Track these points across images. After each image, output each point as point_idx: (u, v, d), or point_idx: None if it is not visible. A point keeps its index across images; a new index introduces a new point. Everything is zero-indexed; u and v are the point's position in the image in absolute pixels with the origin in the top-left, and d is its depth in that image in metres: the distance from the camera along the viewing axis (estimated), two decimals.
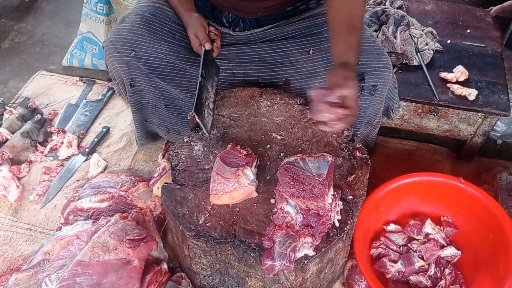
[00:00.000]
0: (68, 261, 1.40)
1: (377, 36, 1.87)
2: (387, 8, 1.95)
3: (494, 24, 2.03)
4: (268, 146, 1.37)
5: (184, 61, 1.52)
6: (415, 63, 1.80)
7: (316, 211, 1.19)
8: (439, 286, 1.41)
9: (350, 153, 1.36)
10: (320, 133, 1.40)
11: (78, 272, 1.32)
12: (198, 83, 1.36)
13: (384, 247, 1.48)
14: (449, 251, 1.46)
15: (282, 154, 1.35)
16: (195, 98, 1.32)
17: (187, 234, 1.19)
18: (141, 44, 1.49)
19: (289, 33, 1.52)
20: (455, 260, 1.47)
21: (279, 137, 1.40)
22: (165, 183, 1.32)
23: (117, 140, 1.97)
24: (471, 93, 1.71)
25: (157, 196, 1.66)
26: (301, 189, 1.22)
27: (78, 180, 1.81)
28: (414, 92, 1.73)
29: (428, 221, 1.51)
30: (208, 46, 1.45)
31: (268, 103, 1.48)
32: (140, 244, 1.41)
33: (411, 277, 1.43)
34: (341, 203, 1.24)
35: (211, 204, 1.24)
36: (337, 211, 1.22)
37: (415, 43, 1.82)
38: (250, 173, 1.24)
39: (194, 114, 1.29)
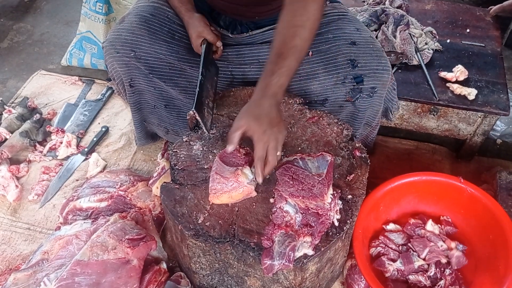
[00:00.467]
0: (67, 261, 1.40)
1: (376, 36, 1.87)
2: (386, 8, 1.95)
3: (494, 24, 2.03)
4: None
5: (184, 61, 1.52)
6: (415, 62, 1.80)
7: (316, 211, 1.19)
8: (439, 286, 1.41)
9: (350, 153, 1.35)
10: (319, 132, 1.40)
11: (77, 271, 1.32)
12: (199, 81, 1.36)
13: (384, 246, 1.48)
14: (451, 253, 1.46)
15: (282, 153, 1.35)
16: (196, 96, 1.32)
17: (186, 233, 1.19)
18: (140, 45, 1.48)
19: None
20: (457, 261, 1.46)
21: None
22: (164, 182, 1.31)
23: (116, 140, 1.96)
24: (471, 93, 1.70)
25: (156, 195, 1.66)
26: (300, 189, 1.22)
27: (77, 180, 1.81)
28: (413, 91, 1.73)
29: (430, 221, 1.51)
30: (220, 44, 1.46)
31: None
32: (139, 244, 1.41)
33: (410, 276, 1.43)
34: (341, 202, 1.24)
35: (210, 203, 1.24)
36: (337, 210, 1.21)
37: (414, 43, 1.82)
38: (249, 172, 1.24)
39: (194, 111, 1.29)
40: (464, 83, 1.75)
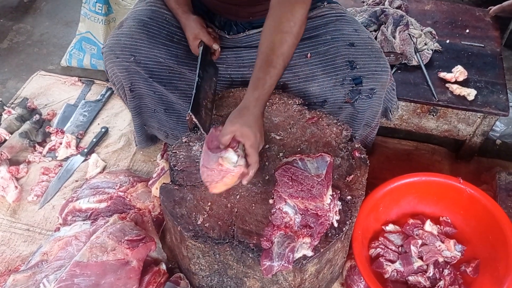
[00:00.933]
0: (66, 262, 1.40)
1: (376, 36, 1.87)
2: (386, 8, 1.95)
3: (493, 24, 2.02)
4: (267, 146, 1.37)
5: (183, 65, 1.52)
6: (414, 63, 1.80)
7: (315, 212, 1.19)
8: (438, 286, 1.41)
9: (349, 153, 1.35)
10: (318, 133, 1.40)
11: (76, 273, 1.32)
12: (195, 83, 1.36)
13: (383, 247, 1.48)
14: (449, 253, 1.46)
15: (281, 154, 1.35)
16: (192, 98, 1.32)
17: (186, 234, 1.19)
18: (140, 49, 1.48)
19: None
20: (455, 261, 1.46)
21: (277, 137, 1.40)
22: (164, 183, 1.31)
23: (115, 141, 1.96)
24: (470, 93, 1.70)
25: (155, 196, 1.66)
26: (299, 190, 1.22)
27: (76, 181, 1.81)
28: (413, 92, 1.73)
29: (428, 221, 1.51)
30: (216, 46, 1.45)
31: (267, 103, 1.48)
32: (139, 245, 1.41)
33: (410, 277, 1.43)
34: (340, 203, 1.24)
35: (209, 204, 1.24)
36: (336, 211, 1.21)
37: (414, 43, 1.82)
38: (232, 155, 1.18)
39: (191, 114, 1.28)
40: (464, 83, 1.75)
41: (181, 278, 1.45)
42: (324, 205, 1.20)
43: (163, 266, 1.47)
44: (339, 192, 1.26)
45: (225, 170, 1.17)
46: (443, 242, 1.47)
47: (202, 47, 1.45)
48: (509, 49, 2.34)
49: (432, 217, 1.54)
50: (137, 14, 1.52)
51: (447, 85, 1.75)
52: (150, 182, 1.70)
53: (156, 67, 1.50)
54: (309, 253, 1.16)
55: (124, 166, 1.87)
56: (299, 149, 1.36)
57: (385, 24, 1.89)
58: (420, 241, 1.47)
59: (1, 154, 1.80)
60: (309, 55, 1.47)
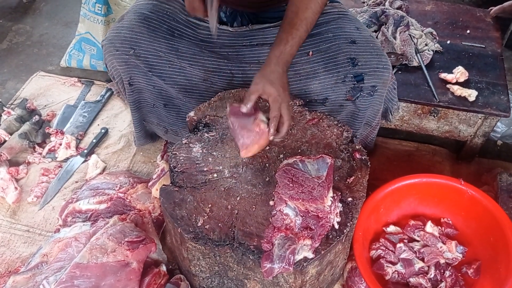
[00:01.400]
0: (66, 264, 1.39)
1: (376, 37, 1.87)
2: (386, 9, 1.95)
3: (494, 25, 2.02)
4: (267, 147, 1.37)
5: (183, 59, 1.52)
6: (415, 63, 1.80)
7: (315, 213, 1.19)
8: None
9: (350, 155, 1.35)
10: (319, 134, 1.40)
11: (76, 274, 1.31)
12: None
13: (384, 248, 1.47)
14: (450, 254, 1.46)
15: (281, 155, 1.34)
16: None
17: (186, 236, 1.19)
18: (140, 42, 1.48)
19: None
20: (456, 263, 1.46)
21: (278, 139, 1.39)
22: (164, 185, 1.31)
23: (115, 141, 1.96)
24: (471, 94, 1.70)
25: (156, 197, 1.66)
26: (300, 191, 1.21)
27: (76, 182, 1.81)
28: (413, 93, 1.73)
29: (429, 223, 1.51)
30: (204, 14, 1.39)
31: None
32: (139, 246, 1.40)
33: (411, 279, 1.43)
34: (341, 205, 1.23)
35: (210, 206, 1.24)
36: (337, 213, 1.21)
37: (414, 44, 1.82)
38: (264, 117, 1.27)
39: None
40: (465, 84, 1.75)
41: (182, 280, 1.45)
42: (325, 206, 1.19)
43: (163, 268, 1.47)
44: (340, 193, 1.25)
45: (262, 130, 1.24)
46: (444, 244, 1.47)
47: None
48: (510, 50, 2.34)
49: (433, 219, 1.53)
50: (138, 8, 1.52)
51: (448, 86, 1.75)
52: (150, 183, 1.70)
53: (156, 61, 1.50)
54: (310, 255, 1.16)
55: (124, 167, 1.87)
56: (299, 151, 1.35)
57: (385, 24, 1.89)
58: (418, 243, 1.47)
59: (1, 155, 1.80)
60: (310, 53, 1.47)
